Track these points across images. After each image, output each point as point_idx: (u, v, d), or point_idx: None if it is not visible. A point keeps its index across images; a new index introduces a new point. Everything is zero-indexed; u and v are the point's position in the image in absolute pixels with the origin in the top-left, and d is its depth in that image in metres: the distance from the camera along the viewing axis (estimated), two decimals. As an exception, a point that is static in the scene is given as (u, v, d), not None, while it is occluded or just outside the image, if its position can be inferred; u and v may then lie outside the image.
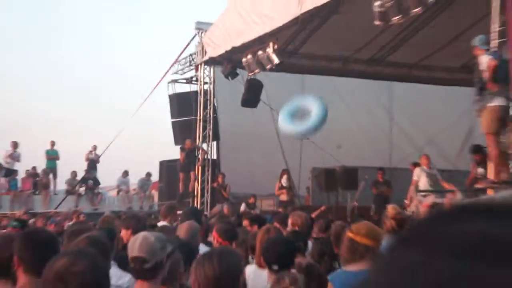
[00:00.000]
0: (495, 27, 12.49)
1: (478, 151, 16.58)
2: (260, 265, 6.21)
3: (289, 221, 9.55)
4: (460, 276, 0.60)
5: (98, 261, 3.35)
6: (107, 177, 30.57)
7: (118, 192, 31.22)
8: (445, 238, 0.65)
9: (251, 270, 5.98)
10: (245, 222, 10.45)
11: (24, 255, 4.66)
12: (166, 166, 25.80)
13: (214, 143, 24.43)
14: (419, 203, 9.41)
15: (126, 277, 5.25)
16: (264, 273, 5.98)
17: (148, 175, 30.69)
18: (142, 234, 4.85)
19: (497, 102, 11.97)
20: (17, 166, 29.02)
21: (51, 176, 29.55)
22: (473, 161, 16.69)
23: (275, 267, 5.77)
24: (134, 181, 31.30)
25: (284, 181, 21.71)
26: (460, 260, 0.61)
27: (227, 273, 4.00)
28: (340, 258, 6.77)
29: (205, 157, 24.19)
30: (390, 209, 11.74)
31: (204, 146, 24.27)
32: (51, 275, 3.19)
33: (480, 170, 15.96)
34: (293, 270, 5.43)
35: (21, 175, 29.33)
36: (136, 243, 4.56)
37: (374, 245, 5.26)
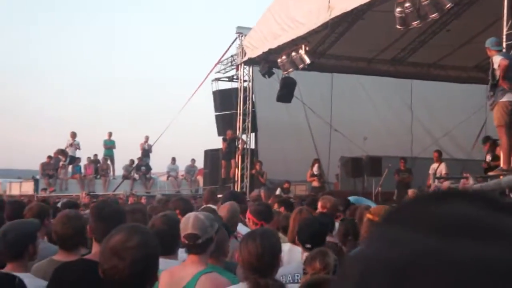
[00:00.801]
0: (506, 30, 12.43)
1: (487, 140, 16.61)
2: (294, 243, 6.22)
3: (319, 204, 9.55)
4: (434, 249, 0.60)
5: (150, 237, 3.36)
6: (158, 164, 30.84)
7: (167, 177, 31.41)
8: (423, 217, 0.66)
9: (286, 248, 5.99)
10: (275, 205, 10.43)
11: (93, 226, 4.74)
12: (210, 155, 25.86)
13: (253, 134, 24.44)
14: (437, 187, 9.40)
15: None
16: (298, 249, 6.00)
17: (193, 161, 30.82)
18: (193, 214, 4.89)
19: (508, 97, 11.91)
20: (78, 153, 29.43)
21: (109, 162, 29.87)
22: (486, 151, 16.71)
23: (308, 245, 5.78)
24: (181, 167, 31.47)
25: (315, 169, 21.69)
26: (438, 236, 0.62)
27: (268, 251, 4.01)
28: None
29: (244, 146, 24.25)
30: (411, 193, 11.70)
31: (244, 137, 24.33)
32: (107, 249, 3.20)
33: (488, 157, 16.00)
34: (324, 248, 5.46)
35: (83, 162, 29.74)
36: (189, 222, 4.59)
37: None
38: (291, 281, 5.19)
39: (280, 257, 4.24)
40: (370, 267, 0.64)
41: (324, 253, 4.97)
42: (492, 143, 16.29)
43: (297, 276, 5.32)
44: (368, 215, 6.07)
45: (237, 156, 24.04)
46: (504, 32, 12.43)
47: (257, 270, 3.93)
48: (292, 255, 5.87)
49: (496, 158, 15.30)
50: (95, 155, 30.01)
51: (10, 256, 4.88)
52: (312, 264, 4.85)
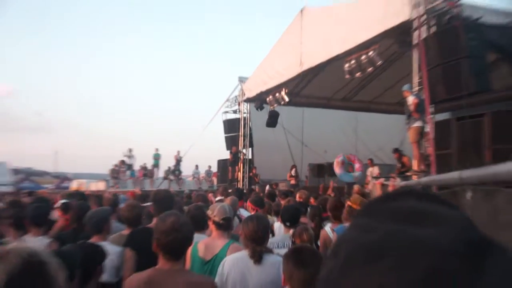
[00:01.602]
0: (416, 79, 12.52)
1: (396, 151, 17.07)
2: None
3: (297, 195, 9.62)
4: (392, 233, 0.62)
5: (186, 220, 3.42)
6: (186, 169, 30.86)
7: (192, 178, 31.50)
8: (384, 210, 0.68)
9: (277, 225, 6.06)
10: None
11: (154, 206, 4.85)
12: (222, 163, 25.74)
13: (250, 149, 24.35)
14: (374, 184, 9.46)
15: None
16: (279, 224, 6.11)
17: (209, 167, 30.97)
18: (225, 204, 4.96)
19: (418, 123, 12.03)
20: (133, 162, 29.94)
21: (155, 168, 30.07)
22: (396, 158, 16.94)
23: (288, 223, 5.90)
24: (202, 171, 31.53)
25: (292, 172, 21.70)
26: (394, 223, 0.64)
27: (262, 228, 4.06)
28: (329, 218, 6.88)
29: (244, 157, 24.16)
30: (356, 187, 11.72)
31: (244, 151, 24.23)
32: (166, 226, 3.22)
33: (398, 165, 16.23)
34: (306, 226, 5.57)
35: (136, 168, 30.03)
36: (225, 208, 4.70)
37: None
38: (277, 247, 5.29)
39: (269, 232, 4.31)
40: (351, 248, 0.64)
41: (307, 229, 5.12)
42: (399, 154, 16.53)
43: (282, 243, 5.42)
44: (348, 202, 6.17)
45: (239, 164, 23.98)
46: (416, 81, 12.52)
47: (254, 241, 3.99)
48: (280, 230, 5.95)
49: (403, 164, 15.55)
50: (144, 164, 30.26)
51: (94, 232, 5.00)
52: (301, 237, 4.99)
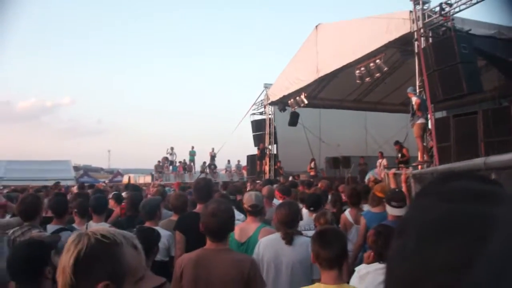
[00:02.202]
0: (417, 82, 12.51)
1: (396, 143, 17.00)
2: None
3: (319, 184, 9.61)
4: (451, 212, 0.60)
5: (229, 206, 3.44)
6: (219, 163, 31.02)
7: (225, 171, 31.59)
8: (442, 191, 0.66)
9: (305, 211, 6.05)
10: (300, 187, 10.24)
11: (194, 193, 4.90)
12: (250, 157, 25.70)
13: (275, 145, 24.34)
14: (386, 173, 9.41)
15: (241, 216, 5.28)
16: (305, 210, 6.09)
17: (238, 161, 31.10)
18: (254, 192, 4.96)
19: (421, 120, 11.96)
20: (174, 158, 30.03)
21: (192, 164, 30.24)
22: (396, 150, 16.80)
23: (312, 208, 5.90)
24: (233, 165, 31.63)
25: (312, 164, 21.64)
26: (451, 203, 0.62)
27: (292, 214, 4.08)
28: (347, 203, 6.88)
29: (270, 152, 24.15)
30: (371, 177, 11.66)
31: (270, 147, 24.23)
32: (208, 212, 3.28)
33: (398, 155, 16.09)
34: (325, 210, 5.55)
35: (177, 164, 30.17)
36: (252, 196, 4.69)
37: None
38: (303, 229, 5.28)
39: (299, 217, 4.30)
40: (421, 226, 0.62)
41: (325, 213, 5.10)
42: (400, 146, 16.39)
43: (307, 226, 5.41)
44: (374, 191, 6.14)
45: (266, 158, 23.95)
46: (417, 84, 12.52)
47: (286, 224, 4.00)
48: (306, 215, 5.93)
49: (403, 155, 15.44)
50: (184, 160, 30.46)
51: (147, 218, 5.05)
52: (319, 220, 4.98)
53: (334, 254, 2.87)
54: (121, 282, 1.58)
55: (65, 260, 1.53)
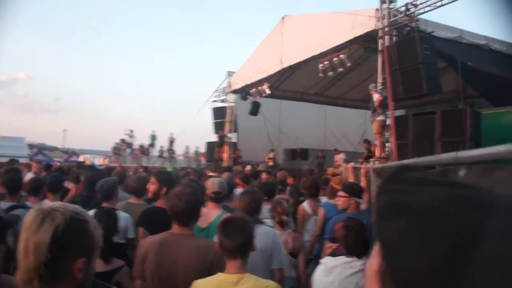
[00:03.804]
0: (379, 79, 12.63)
1: (366, 141, 16.86)
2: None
3: (278, 175, 9.60)
4: (416, 193, 0.63)
5: (197, 189, 3.39)
6: (178, 149, 30.76)
7: (183, 157, 31.32)
8: (410, 178, 0.69)
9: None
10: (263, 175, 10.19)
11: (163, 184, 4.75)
12: (209, 144, 25.61)
13: (235, 133, 24.31)
14: (346, 167, 9.50)
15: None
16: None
17: (197, 148, 31.04)
18: (217, 179, 4.90)
19: (381, 117, 12.12)
20: (133, 141, 29.70)
21: (151, 148, 29.95)
22: (364, 146, 16.98)
23: (266, 197, 5.86)
24: (191, 152, 31.46)
25: (271, 155, 21.73)
26: (421, 187, 0.65)
27: (255, 201, 4.07)
28: (304, 195, 6.89)
29: (230, 140, 24.10)
30: (329, 170, 11.73)
31: (229, 135, 24.16)
32: (173, 194, 3.23)
33: (366, 152, 16.28)
34: (280, 199, 5.50)
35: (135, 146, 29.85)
36: (215, 183, 4.64)
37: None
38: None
39: (261, 205, 4.26)
40: (415, 208, 0.63)
41: (280, 202, 5.05)
42: (368, 143, 16.57)
43: (264, 215, 5.38)
44: (332, 183, 6.16)
45: (225, 146, 23.88)
46: (379, 81, 12.63)
47: (248, 212, 3.95)
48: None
49: (370, 151, 15.58)
50: (142, 143, 30.16)
51: (105, 199, 4.91)
52: (276, 209, 4.93)
53: (237, 243, 2.79)
54: (92, 259, 1.58)
55: (40, 237, 1.46)
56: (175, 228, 3.25)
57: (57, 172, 8.11)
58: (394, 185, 0.70)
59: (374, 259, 0.72)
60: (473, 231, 0.57)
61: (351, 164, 9.06)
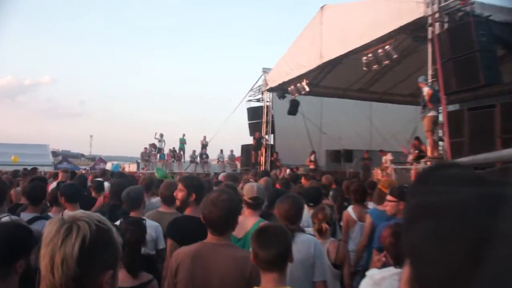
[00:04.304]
0: (430, 72, 12.42)
1: (417, 139, 16.51)
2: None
3: (322, 179, 9.55)
4: (447, 196, 0.65)
5: (234, 195, 3.36)
6: (211, 153, 30.92)
7: (217, 162, 31.45)
8: (438, 177, 0.71)
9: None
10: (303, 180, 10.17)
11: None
12: (245, 148, 25.66)
13: (272, 135, 24.25)
14: (394, 168, 9.39)
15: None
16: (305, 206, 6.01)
17: (232, 151, 30.88)
18: (256, 184, 4.92)
19: (432, 113, 11.92)
20: (163, 146, 29.91)
21: (182, 152, 30.17)
22: (414, 145, 16.67)
23: (311, 204, 5.82)
24: (226, 155, 31.57)
25: (312, 157, 21.71)
26: (451, 187, 0.66)
27: (295, 208, 4.04)
28: (350, 200, 6.83)
29: (267, 143, 24.06)
30: (375, 172, 11.61)
31: (266, 137, 24.14)
32: (208, 201, 3.22)
33: (415, 151, 15.97)
34: (323, 205, 5.45)
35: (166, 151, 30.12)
36: (254, 187, 4.64)
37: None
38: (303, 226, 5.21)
39: (302, 212, 4.23)
40: (439, 210, 0.66)
41: (322, 208, 5.00)
42: (419, 141, 16.26)
43: (305, 223, 5.33)
44: (379, 186, 6.10)
45: (262, 148, 23.84)
46: (429, 73, 12.41)
47: (287, 219, 3.94)
48: (305, 210, 5.85)
49: (421, 151, 15.28)
50: (173, 148, 30.32)
51: (131, 208, 4.95)
52: (317, 216, 4.89)
53: (273, 255, 2.73)
54: (117, 271, 1.60)
55: (67, 251, 1.45)
56: (210, 238, 3.24)
57: (77, 180, 8.27)
58: (424, 186, 0.72)
59: (406, 267, 0.77)
60: (496, 232, 0.59)
61: (400, 166, 8.96)
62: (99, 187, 7.93)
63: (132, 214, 4.83)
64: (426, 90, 12.03)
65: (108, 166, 31.67)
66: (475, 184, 0.66)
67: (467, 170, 0.71)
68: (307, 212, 5.76)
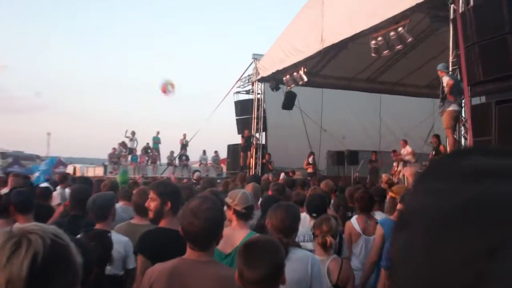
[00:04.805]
0: (452, 58, 12.42)
1: (437, 137, 16.53)
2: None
3: (322, 185, 9.54)
4: (482, 192, 0.58)
5: (218, 203, 3.35)
6: (192, 154, 30.86)
7: (199, 165, 31.43)
8: (452, 170, 0.65)
9: (303, 217, 5.98)
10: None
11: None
12: (232, 148, 25.76)
13: (264, 133, 24.30)
14: (405, 172, 9.40)
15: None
16: (307, 217, 6.00)
17: (216, 152, 31.11)
18: (241, 190, 4.91)
19: (453, 107, 11.95)
20: (135, 145, 29.88)
21: (156, 153, 30.12)
22: (431, 144, 16.68)
23: (314, 214, 5.80)
24: (209, 157, 31.54)
25: (310, 159, 21.76)
26: (462, 184, 0.61)
27: (291, 218, 4.01)
28: (354, 209, 6.84)
29: (257, 142, 24.12)
30: (384, 176, 11.64)
31: (257, 135, 24.18)
32: (188, 210, 3.17)
33: (432, 152, 16.00)
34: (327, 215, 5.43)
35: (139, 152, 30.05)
36: (247, 196, 4.61)
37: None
38: (303, 240, 5.19)
39: (298, 223, 4.22)
40: (433, 215, 0.61)
41: (328, 219, 4.97)
42: (438, 140, 16.29)
43: (307, 237, 5.32)
44: (391, 193, 6.10)
45: (252, 149, 23.92)
46: (450, 60, 12.43)
47: (282, 232, 3.91)
48: (305, 221, 5.84)
49: (438, 152, 15.29)
50: (148, 144, 30.19)
51: (99, 219, 4.90)
52: (320, 227, 4.86)
53: (262, 274, 2.69)
54: None
55: (14, 270, 1.40)
56: (190, 254, 3.21)
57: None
58: (425, 182, 0.68)
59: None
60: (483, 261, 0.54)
61: (413, 168, 8.97)
62: (46, 195, 7.84)
63: (98, 226, 4.76)
64: (446, 80, 12.02)
65: (70, 169, 31.33)
66: (482, 179, 0.60)
67: (498, 160, 0.65)
68: (308, 224, 5.76)
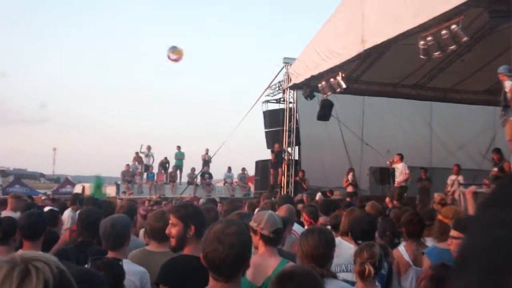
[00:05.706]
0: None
1: (498, 152, 16.32)
2: (342, 236, 6.15)
3: (367, 207, 9.47)
4: None
5: (243, 227, 3.36)
6: (216, 172, 30.91)
7: (224, 183, 31.46)
8: None
9: (337, 241, 5.95)
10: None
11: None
12: (261, 164, 25.85)
13: (296, 147, 24.36)
14: (463, 192, 9.29)
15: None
16: (347, 243, 5.90)
17: (243, 169, 31.01)
18: (266, 212, 4.85)
19: (517, 116, 11.88)
20: (151, 162, 29.95)
21: (178, 170, 30.16)
22: (493, 160, 16.45)
23: (359, 241, 5.70)
24: (235, 174, 31.52)
25: (350, 177, 21.64)
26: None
27: (325, 244, 4.02)
28: (401, 235, 6.77)
29: (290, 157, 24.12)
30: (437, 196, 11.53)
31: (289, 149, 24.20)
32: (211, 235, 3.18)
33: (494, 169, 15.74)
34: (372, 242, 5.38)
35: (156, 169, 30.13)
36: (275, 218, 4.60)
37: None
38: (344, 270, 5.18)
39: (333, 250, 4.22)
40: (493, 252, 0.59)
41: (371, 245, 4.94)
42: (499, 156, 16.07)
43: (350, 266, 5.29)
44: (440, 217, 6.04)
45: (283, 165, 23.92)
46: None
47: (314, 260, 3.93)
48: (341, 248, 5.78)
49: (501, 169, 15.09)
50: (165, 158, 30.29)
51: (113, 247, 4.88)
52: (360, 254, 4.83)
53: None
54: None
55: None
56: (213, 285, 3.21)
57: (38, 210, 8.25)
58: (487, 212, 0.67)
59: None
60: None
61: (472, 188, 8.88)
62: (52, 219, 7.86)
63: (111, 254, 4.72)
64: (509, 85, 11.95)
65: (78, 189, 31.46)
66: None
67: None
68: (350, 252, 5.71)
